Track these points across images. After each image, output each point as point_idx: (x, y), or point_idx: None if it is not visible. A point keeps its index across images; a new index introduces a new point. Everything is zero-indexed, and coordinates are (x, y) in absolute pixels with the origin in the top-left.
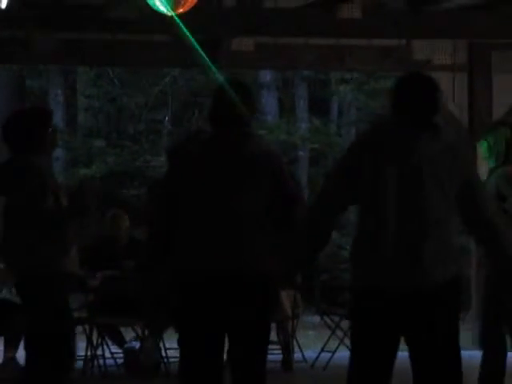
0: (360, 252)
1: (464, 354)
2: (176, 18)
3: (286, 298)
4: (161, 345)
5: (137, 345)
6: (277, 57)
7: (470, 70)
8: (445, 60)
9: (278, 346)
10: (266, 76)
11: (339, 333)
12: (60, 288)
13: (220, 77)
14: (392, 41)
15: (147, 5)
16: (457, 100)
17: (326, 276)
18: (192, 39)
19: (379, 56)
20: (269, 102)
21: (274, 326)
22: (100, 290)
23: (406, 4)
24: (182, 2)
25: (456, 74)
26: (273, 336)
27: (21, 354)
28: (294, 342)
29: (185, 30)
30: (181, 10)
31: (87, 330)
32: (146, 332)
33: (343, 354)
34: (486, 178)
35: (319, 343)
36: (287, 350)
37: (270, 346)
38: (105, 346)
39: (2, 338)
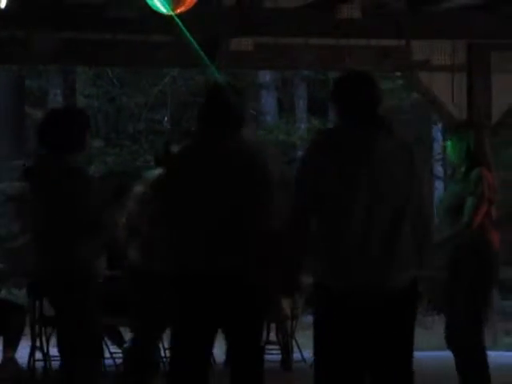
0: (325, 253)
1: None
2: (175, 18)
3: (285, 298)
4: (160, 345)
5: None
6: (276, 57)
7: (468, 71)
8: (444, 60)
9: (277, 346)
10: (266, 76)
11: None
12: (95, 289)
13: (219, 77)
14: (391, 41)
15: (146, 4)
16: (456, 100)
17: None
18: (191, 39)
19: (378, 56)
20: (268, 102)
21: (273, 326)
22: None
23: (406, 4)
24: (182, 2)
25: (455, 74)
26: (272, 336)
27: (19, 355)
28: (293, 342)
29: (184, 29)
30: (180, 10)
31: None
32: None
33: None
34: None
35: None
36: (286, 350)
37: (269, 346)
38: (104, 346)
39: (1, 338)
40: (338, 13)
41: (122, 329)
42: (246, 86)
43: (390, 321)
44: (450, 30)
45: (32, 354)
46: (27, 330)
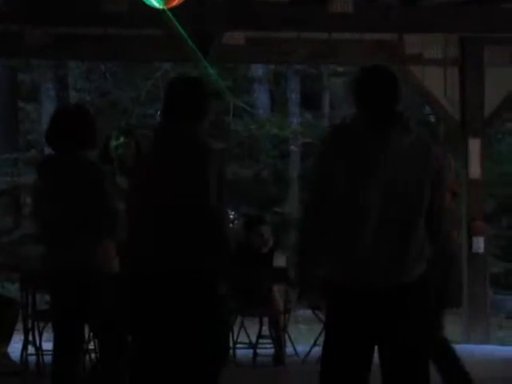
0: (339, 250)
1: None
2: (167, 12)
3: (278, 292)
4: None
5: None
6: (268, 51)
7: (461, 65)
8: (436, 54)
9: (270, 341)
10: (258, 70)
11: None
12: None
13: (211, 71)
14: (384, 35)
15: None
16: (448, 94)
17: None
18: (183, 33)
19: (371, 50)
20: (260, 96)
21: (266, 320)
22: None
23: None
24: None
25: (447, 68)
26: (265, 330)
27: (12, 349)
28: (286, 337)
29: (176, 23)
30: (173, 4)
31: None
32: None
33: None
34: None
35: (311, 337)
36: (279, 344)
37: (262, 341)
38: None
39: None
40: (331, 7)
41: None
42: (238, 81)
43: (403, 315)
44: (443, 24)
45: (25, 349)
46: (19, 325)
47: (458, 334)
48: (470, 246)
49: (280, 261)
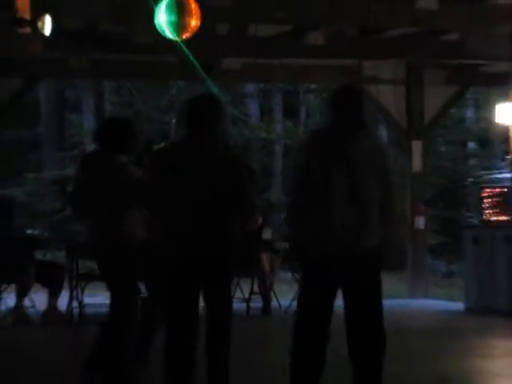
0: (314, 225)
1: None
2: (181, 43)
3: (265, 259)
4: None
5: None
6: (258, 73)
7: (407, 84)
8: (388, 75)
9: (259, 296)
10: (250, 88)
11: None
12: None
13: (214, 88)
14: (347, 61)
15: (158, 32)
16: (396, 107)
17: None
18: (193, 59)
19: (337, 73)
20: (252, 108)
21: (256, 280)
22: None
23: (358, 33)
24: (186, 30)
25: (396, 86)
26: (255, 288)
27: (60, 304)
28: (272, 293)
29: (187, 51)
30: (184, 37)
31: None
32: None
33: None
34: None
35: (291, 294)
36: (266, 300)
37: (253, 296)
38: None
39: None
40: (306, 39)
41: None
42: (234, 97)
43: (363, 271)
44: (393, 52)
45: (70, 303)
46: (66, 285)
47: (404, 290)
48: (414, 223)
49: (267, 235)
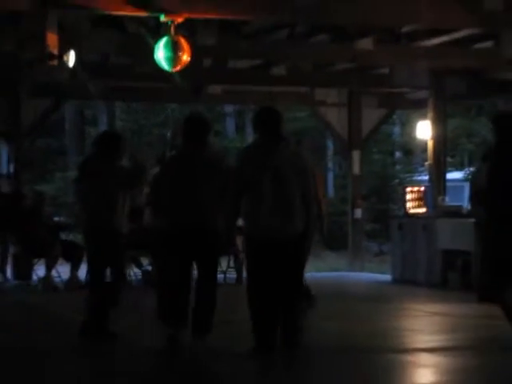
0: (251, 217)
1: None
2: (174, 73)
3: (238, 239)
4: None
5: (149, 268)
6: (235, 97)
7: (348, 106)
8: (334, 100)
9: (234, 270)
10: (229, 108)
11: None
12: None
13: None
14: (303, 88)
15: (157, 65)
16: (341, 124)
17: None
18: (184, 86)
19: (295, 97)
20: (230, 124)
21: (231, 257)
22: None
23: (312, 66)
24: (178, 63)
25: (340, 108)
26: (231, 264)
27: (80, 274)
28: (243, 267)
29: (180, 80)
30: (177, 68)
31: None
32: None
33: None
34: None
35: None
36: (239, 272)
37: (228, 270)
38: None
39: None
40: (272, 71)
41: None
42: (216, 115)
43: (291, 251)
44: (337, 83)
45: (87, 274)
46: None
47: (345, 265)
48: (353, 214)
49: (240, 221)
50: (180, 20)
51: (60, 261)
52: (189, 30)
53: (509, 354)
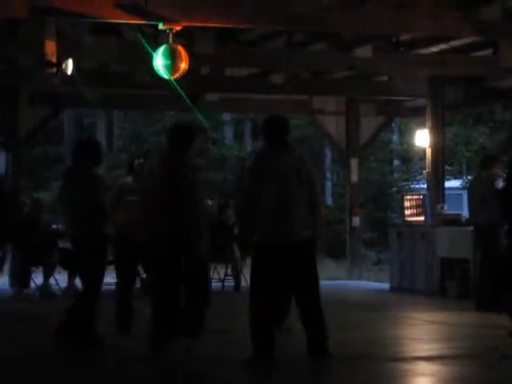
0: (260, 223)
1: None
2: (173, 81)
3: (236, 249)
4: None
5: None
6: (232, 105)
7: (346, 115)
8: (332, 108)
9: (232, 278)
10: (227, 116)
11: None
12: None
13: (199, 117)
14: (301, 96)
15: (155, 73)
16: (339, 132)
17: None
18: (182, 93)
19: (294, 106)
20: (227, 132)
21: (229, 265)
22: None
23: (310, 74)
24: (177, 71)
25: (338, 117)
26: (229, 271)
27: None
28: (242, 276)
29: (178, 87)
30: (176, 76)
31: None
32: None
33: None
34: None
35: None
36: (237, 280)
37: (226, 278)
38: None
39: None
40: (269, 79)
41: None
42: (214, 123)
43: (297, 259)
44: (335, 90)
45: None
46: None
47: (343, 274)
48: (351, 222)
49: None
50: (178, 28)
51: (58, 268)
52: (187, 38)
53: (507, 363)
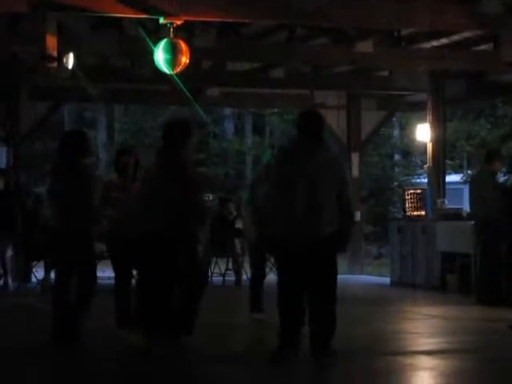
0: (282, 219)
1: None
2: (174, 75)
3: (237, 243)
4: None
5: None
6: (233, 100)
7: (347, 109)
8: (333, 102)
9: (233, 272)
10: (227, 110)
11: (269, 264)
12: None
13: (200, 111)
14: (302, 90)
15: (156, 67)
16: (340, 126)
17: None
18: (183, 88)
19: (295, 100)
20: (228, 126)
21: (230, 259)
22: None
23: (311, 69)
24: (177, 65)
25: (339, 111)
26: (230, 266)
27: None
28: (242, 270)
29: (179, 82)
30: (176, 70)
31: None
32: None
33: (272, 277)
34: None
35: None
36: (238, 274)
37: (227, 272)
38: None
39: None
40: (270, 74)
41: None
42: (215, 117)
43: (320, 255)
44: (336, 85)
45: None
46: None
47: (344, 268)
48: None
49: (239, 225)
50: (179, 22)
51: None
52: (188, 32)
53: (507, 356)
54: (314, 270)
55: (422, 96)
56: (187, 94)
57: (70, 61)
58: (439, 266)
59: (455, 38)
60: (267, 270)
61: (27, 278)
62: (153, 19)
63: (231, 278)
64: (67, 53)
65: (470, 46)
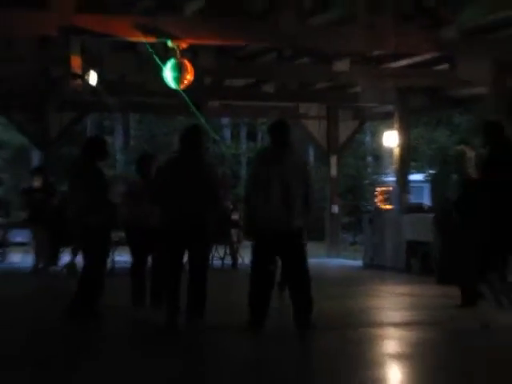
0: (260, 212)
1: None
2: (180, 90)
3: (234, 233)
4: None
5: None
6: (231, 110)
7: (327, 119)
8: (315, 113)
9: (230, 256)
10: (225, 120)
11: None
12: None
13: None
14: (288, 103)
15: (165, 83)
16: (321, 134)
17: None
18: (188, 101)
19: (282, 112)
20: (226, 133)
21: (227, 246)
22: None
23: (298, 85)
24: (183, 82)
25: (320, 120)
26: (227, 251)
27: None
28: (238, 255)
29: (184, 96)
30: (183, 86)
31: None
32: None
33: None
34: None
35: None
36: (234, 259)
37: (226, 256)
38: None
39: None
40: (263, 88)
41: None
42: (214, 126)
43: (291, 243)
44: (318, 99)
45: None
46: None
47: (324, 253)
48: (331, 209)
49: (235, 216)
50: (185, 45)
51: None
52: (192, 53)
53: (463, 328)
54: (287, 255)
55: (390, 107)
56: (191, 106)
57: (92, 78)
58: (404, 251)
59: (418, 59)
60: None
61: (54, 262)
62: (162, 42)
63: (229, 262)
64: (90, 71)
65: (431, 65)
